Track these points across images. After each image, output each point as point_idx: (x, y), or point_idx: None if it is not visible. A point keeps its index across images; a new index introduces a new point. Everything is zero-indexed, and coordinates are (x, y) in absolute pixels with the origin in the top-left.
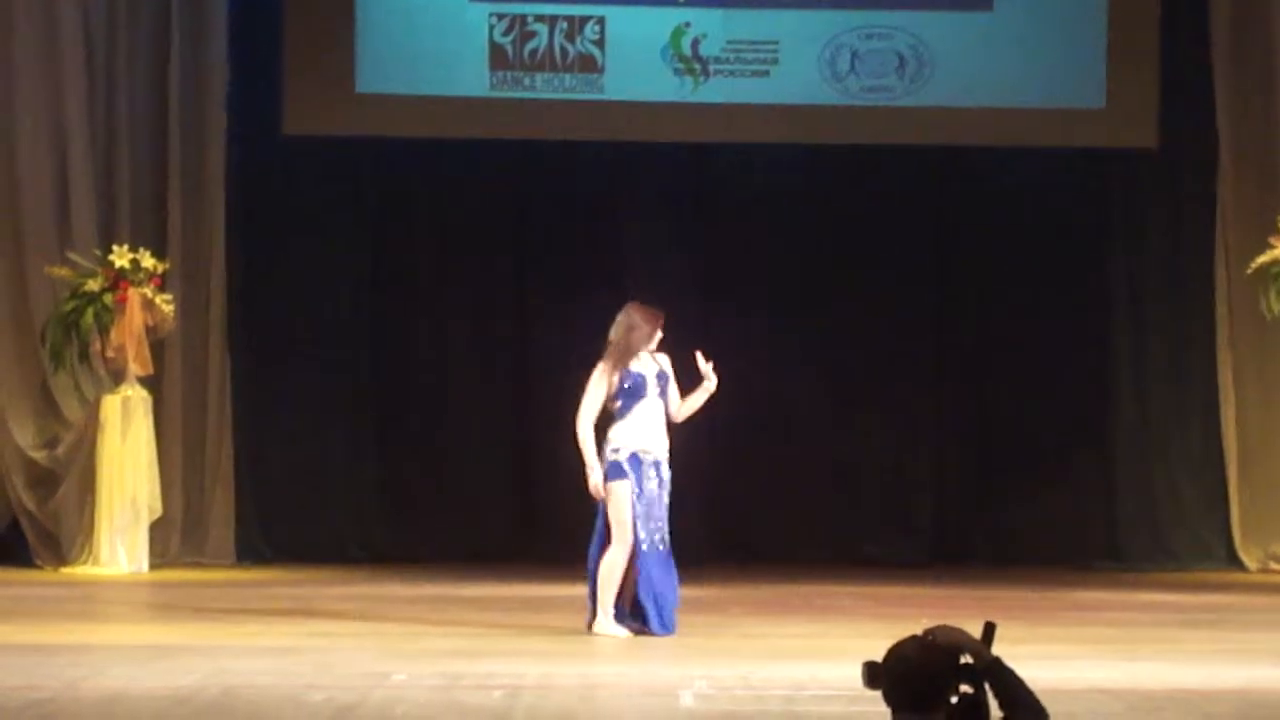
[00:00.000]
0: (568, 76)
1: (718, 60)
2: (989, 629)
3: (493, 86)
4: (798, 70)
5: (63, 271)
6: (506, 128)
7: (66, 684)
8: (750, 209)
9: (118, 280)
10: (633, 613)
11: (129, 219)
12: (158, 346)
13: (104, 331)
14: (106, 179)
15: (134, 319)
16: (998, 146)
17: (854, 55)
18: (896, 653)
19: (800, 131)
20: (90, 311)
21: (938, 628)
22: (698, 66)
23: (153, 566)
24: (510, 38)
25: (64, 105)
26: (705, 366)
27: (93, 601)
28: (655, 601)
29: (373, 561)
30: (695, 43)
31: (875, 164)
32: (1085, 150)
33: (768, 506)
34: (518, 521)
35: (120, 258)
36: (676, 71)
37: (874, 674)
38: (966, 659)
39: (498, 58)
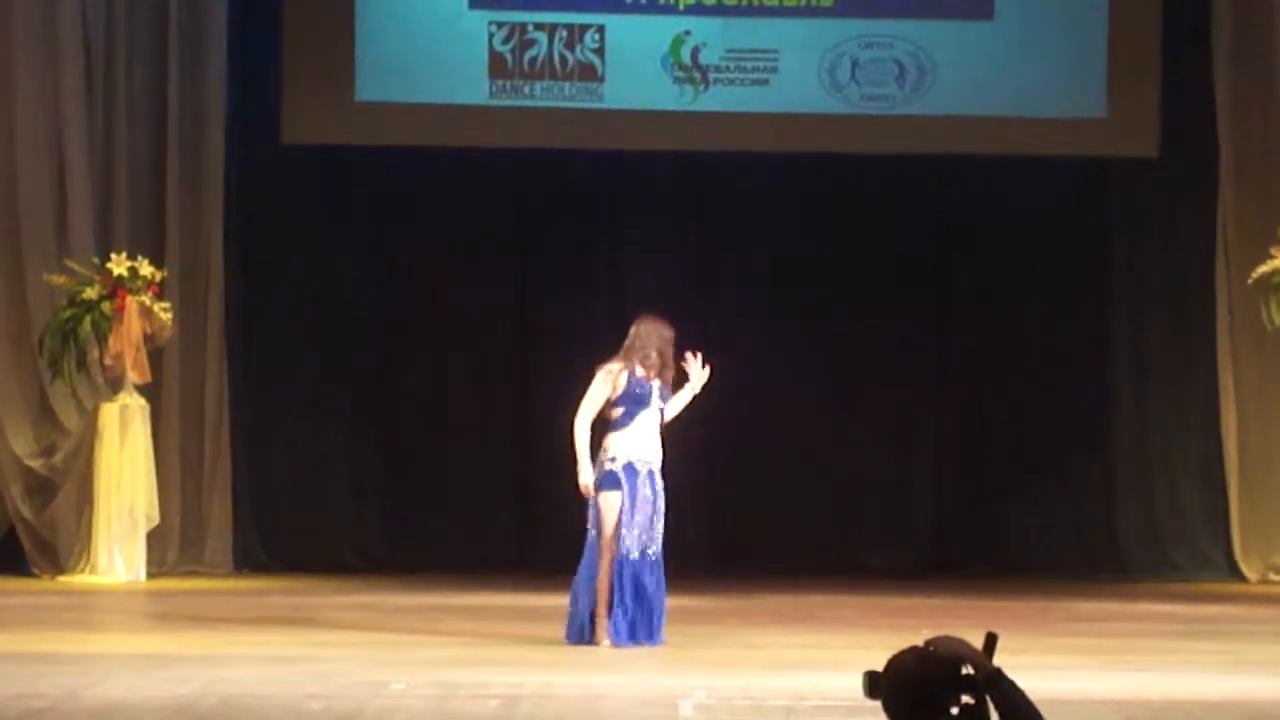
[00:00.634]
0: (567, 85)
1: (717, 69)
2: (990, 640)
3: (492, 95)
4: (798, 79)
5: (61, 279)
6: (506, 136)
7: (65, 693)
8: (750, 218)
9: (116, 288)
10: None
11: (127, 227)
12: (156, 354)
13: (102, 339)
14: (105, 187)
15: (132, 327)
16: (998, 155)
17: (854, 64)
18: (897, 663)
19: (800, 140)
20: (88, 319)
21: (938, 638)
22: (697, 75)
23: (150, 575)
24: (510, 46)
25: (62, 113)
26: (695, 365)
27: (90, 610)
28: (645, 610)
29: (371, 570)
30: (695, 51)
31: (875, 173)
32: (1086, 159)
33: (767, 516)
34: (516, 531)
35: (118, 266)
36: (676, 80)
37: (874, 684)
38: (967, 670)
39: (497, 66)
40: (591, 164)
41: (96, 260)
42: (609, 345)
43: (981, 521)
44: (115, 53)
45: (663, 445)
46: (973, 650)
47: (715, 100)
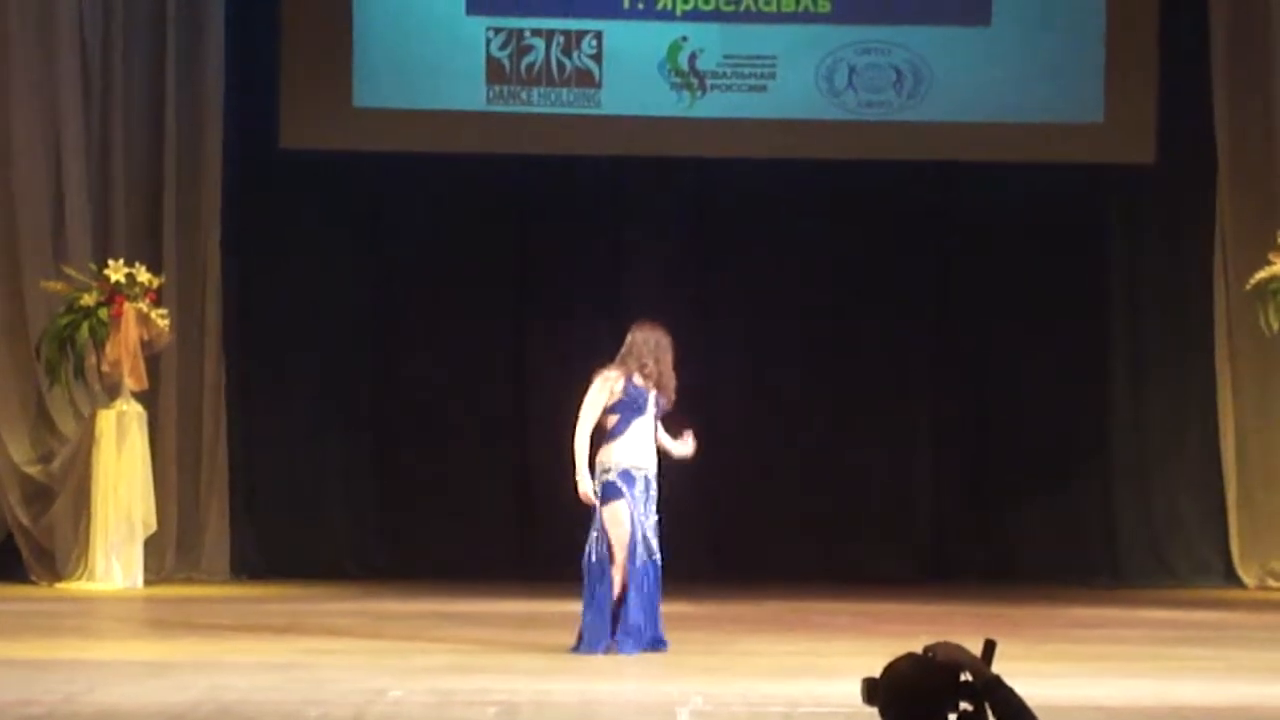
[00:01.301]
0: (565, 91)
1: (715, 75)
2: (989, 646)
3: (490, 101)
4: (795, 85)
5: (58, 286)
6: (503, 142)
7: (62, 700)
8: (748, 224)
9: (113, 295)
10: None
11: (124, 233)
12: (153, 361)
13: (99, 346)
14: (102, 193)
15: (129, 333)
16: (996, 161)
17: (851, 70)
18: (895, 670)
19: (798, 146)
20: (85, 326)
21: (937, 645)
22: (695, 81)
23: (147, 582)
24: (507, 52)
25: (59, 119)
26: (687, 439)
27: (87, 617)
28: (644, 615)
29: (368, 577)
30: (692, 57)
31: (873, 179)
32: (1083, 165)
33: (765, 523)
34: (514, 537)
35: (115, 272)
36: (674, 86)
37: (873, 691)
38: (966, 677)
39: (495, 72)
40: (589, 170)
41: (94, 267)
42: (607, 351)
43: (980, 528)
44: (112, 58)
45: (658, 454)
46: (971, 657)
47: (712, 106)
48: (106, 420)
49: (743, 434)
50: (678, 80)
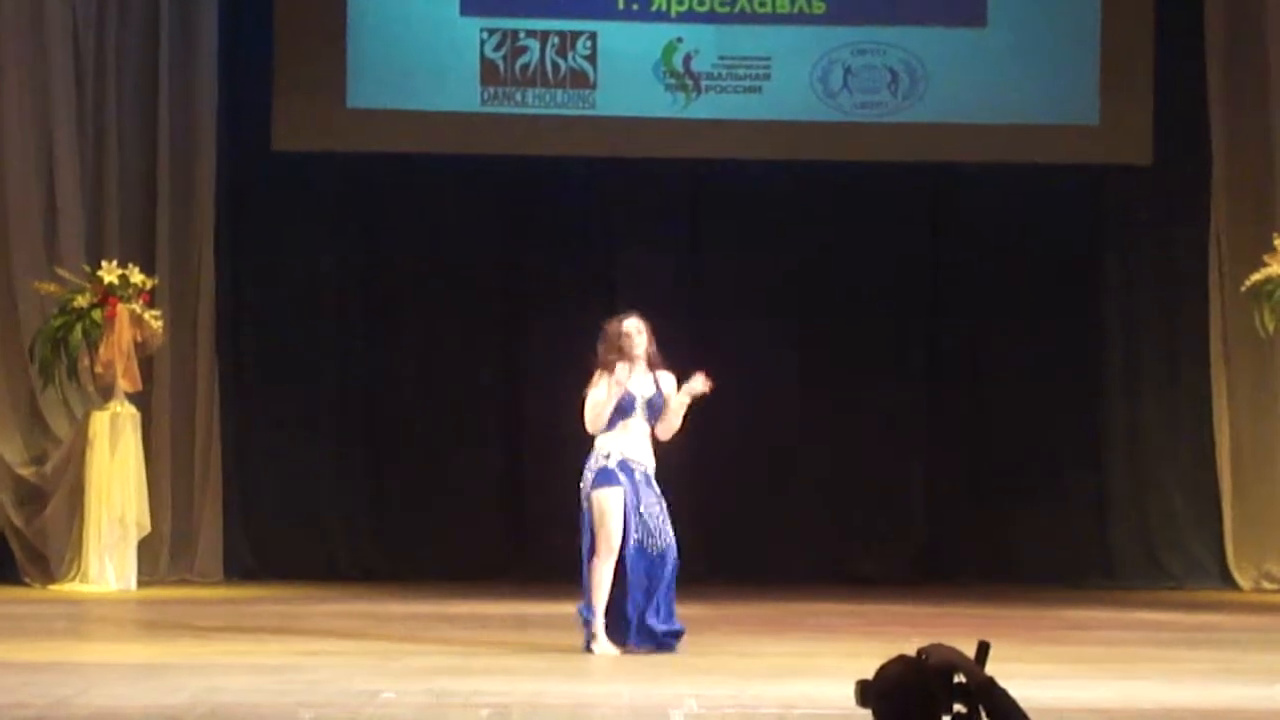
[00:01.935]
0: (559, 92)
1: (710, 76)
2: (982, 648)
3: (484, 102)
4: (790, 86)
5: (51, 287)
6: (498, 143)
7: (54, 702)
8: (742, 225)
9: (106, 296)
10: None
11: (118, 235)
12: (146, 362)
13: (93, 348)
14: (95, 195)
15: (123, 335)
16: (991, 163)
17: (846, 71)
18: (888, 672)
19: (792, 148)
20: (79, 328)
21: (931, 647)
22: (690, 82)
23: (141, 584)
24: (502, 53)
25: (52, 120)
26: (697, 379)
27: (81, 619)
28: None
29: (362, 578)
30: (687, 58)
31: (868, 180)
32: (1079, 166)
33: (758, 524)
34: (507, 539)
35: (109, 273)
36: (668, 87)
37: (866, 693)
38: (960, 679)
39: (489, 73)
40: (583, 171)
41: (87, 268)
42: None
43: (973, 529)
44: (105, 59)
45: (655, 456)
46: (965, 659)
47: (707, 107)
48: (100, 422)
49: (736, 435)
50: (672, 81)
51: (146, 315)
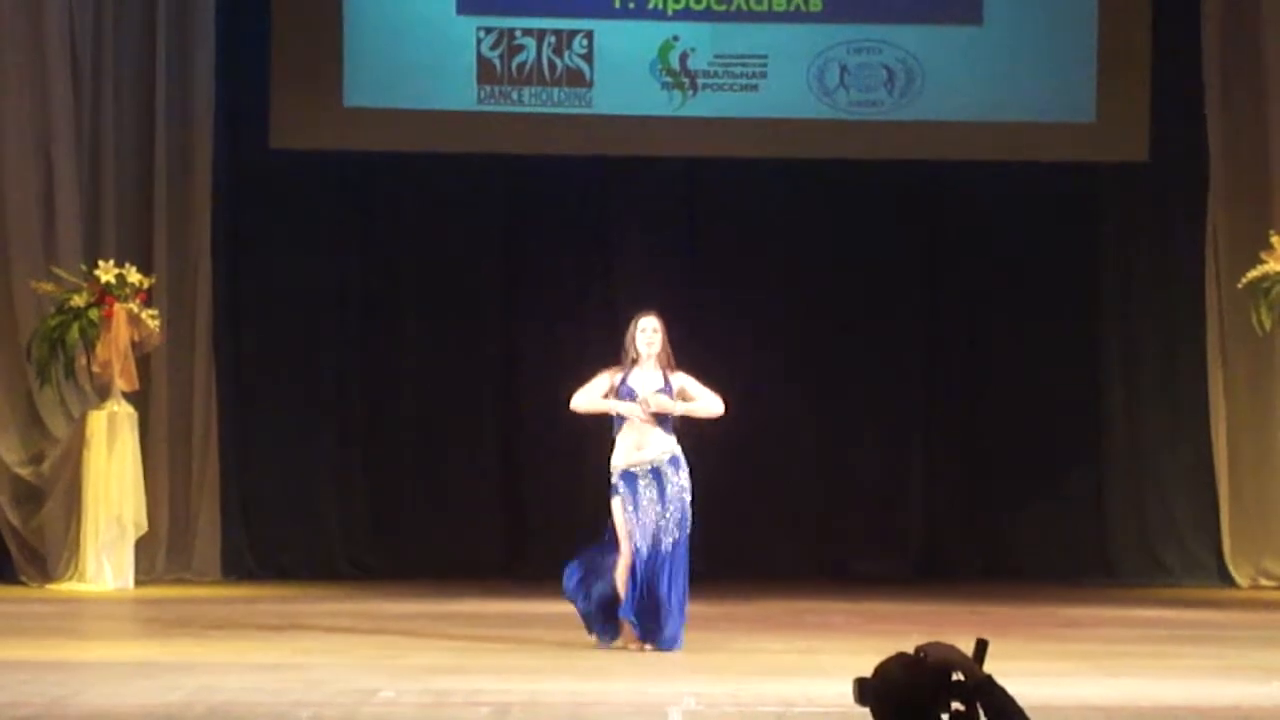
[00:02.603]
0: (556, 91)
1: (706, 74)
2: (980, 646)
3: (481, 101)
4: (786, 84)
5: (48, 287)
6: (494, 142)
7: (52, 701)
8: (739, 223)
9: (103, 295)
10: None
11: (115, 234)
12: (143, 362)
13: (90, 347)
14: (92, 194)
15: (120, 334)
16: (987, 161)
17: (843, 69)
18: (886, 670)
19: (789, 146)
20: (76, 327)
21: (929, 645)
22: (686, 81)
23: (138, 583)
24: (498, 52)
25: (50, 119)
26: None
27: (78, 618)
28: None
29: (359, 577)
30: (683, 57)
31: (865, 179)
32: (1075, 164)
33: (757, 522)
34: (505, 537)
35: (106, 273)
36: (665, 86)
37: (864, 691)
38: (958, 676)
39: (486, 72)
40: (580, 170)
41: (84, 267)
42: (598, 350)
43: (972, 527)
44: (103, 58)
45: (677, 437)
46: (963, 657)
47: (704, 106)
48: (97, 421)
49: (735, 433)
50: (669, 80)
51: (144, 314)
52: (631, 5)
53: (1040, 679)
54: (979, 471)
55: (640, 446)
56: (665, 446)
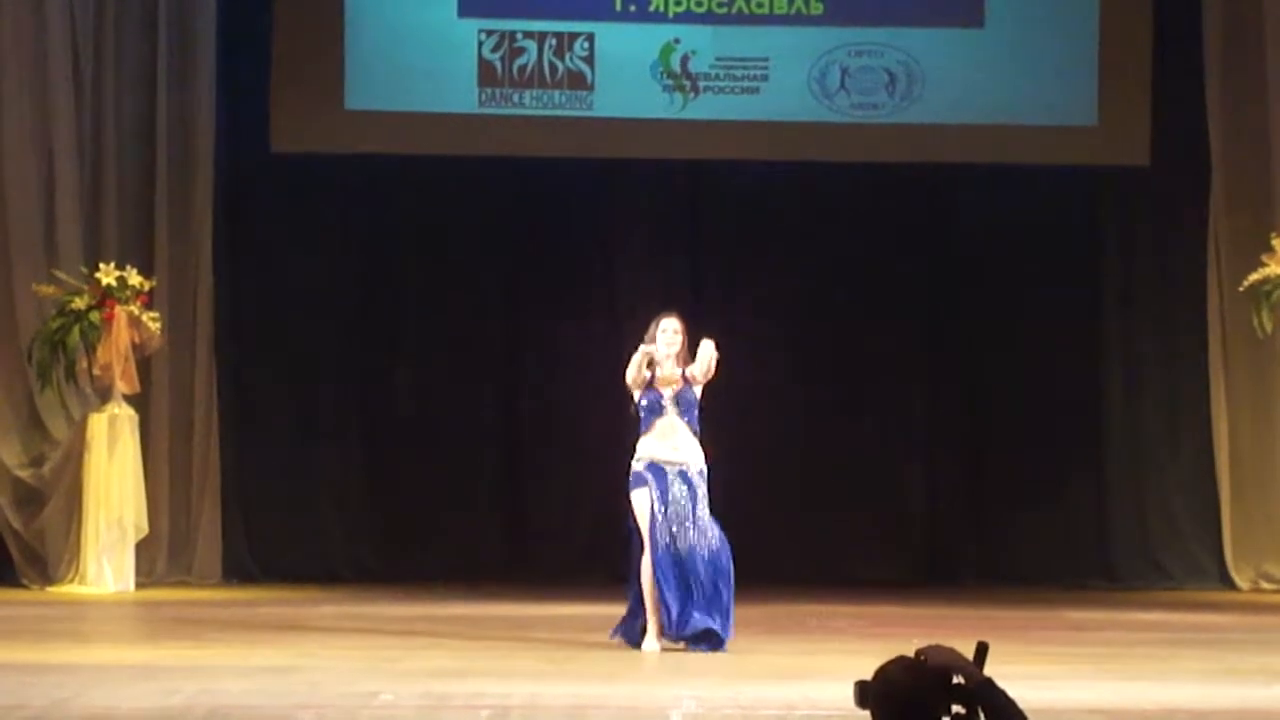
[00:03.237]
0: (557, 93)
1: (707, 77)
2: (981, 649)
3: (482, 103)
4: (787, 87)
5: (49, 289)
6: (495, 144)
7: (53, 703)
8: (741, 226)
9: (104, 298)
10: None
11: (116, 236)
12: (144, 364)
13: (91, 350)
14: (93, 196)
15: (121, 337)
16: (989, 164)
17: (844, 72)
18: (887, 673)
19: (790, 149)
20: (77, 330)
21: (929, 648)
22: (687, 83)
23: (139, 586)
24: (499, 54)
25: (51, 122)
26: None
27: (79, 621)
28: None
29: (360, 580)
30: (685, 59)
31: (865, 182)
32: (1077, 168)
33: (758, 525)
34: (506, 541)
35: (107, 275)
36: (666, 88)
37: (865, 694)
38: (958, 679)
39: (487, 74)
40: (581, 172)
41: (85, 270)
42: (598, 353)
43: (973, 531)
44: (104, 62)
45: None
46: (963, 660)
47: (705, 108)
48: (98, 424)
49: (737, 436)
50: (670, 82)
51: (144, 317)
52: (633, 8)
53: (1041, 682)
54: (981, 475)
55: (676, 448)
56: (697, 456)
